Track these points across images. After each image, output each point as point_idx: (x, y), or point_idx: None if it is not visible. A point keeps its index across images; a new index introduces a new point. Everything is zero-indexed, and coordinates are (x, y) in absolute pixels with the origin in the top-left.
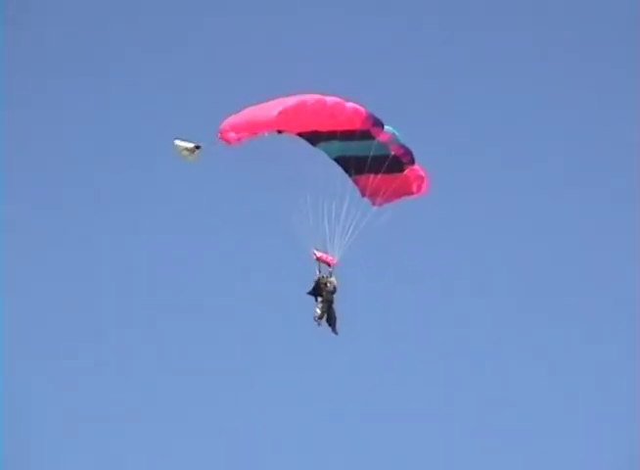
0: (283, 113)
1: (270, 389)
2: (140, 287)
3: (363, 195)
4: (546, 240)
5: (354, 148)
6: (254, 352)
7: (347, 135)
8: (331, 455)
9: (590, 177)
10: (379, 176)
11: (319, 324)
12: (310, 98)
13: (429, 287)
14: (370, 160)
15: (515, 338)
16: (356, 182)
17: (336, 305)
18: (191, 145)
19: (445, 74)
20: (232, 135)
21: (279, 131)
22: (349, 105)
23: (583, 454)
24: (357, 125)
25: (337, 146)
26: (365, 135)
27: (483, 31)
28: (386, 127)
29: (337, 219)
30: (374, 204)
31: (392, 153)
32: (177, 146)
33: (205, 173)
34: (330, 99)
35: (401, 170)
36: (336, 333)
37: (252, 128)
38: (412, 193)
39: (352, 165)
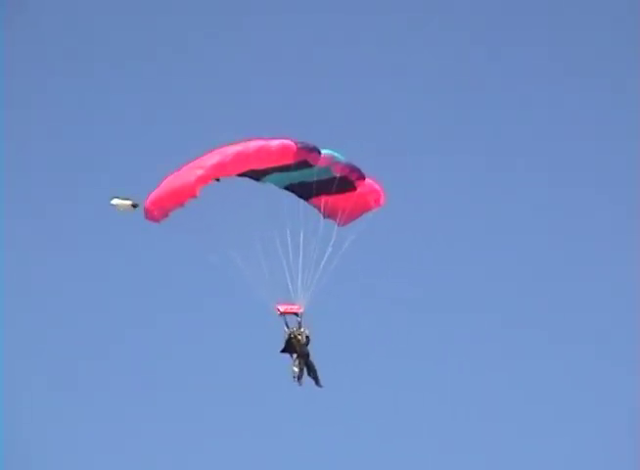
0: (201, 178)
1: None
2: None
3: (325, 217)
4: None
5: (298, 176)
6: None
7: (285, 168)
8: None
9: (589, 178)
10: (332, 197)
11: (299, 384)
12: (230, 153)
13: (408, 306)
14: (317, 184)
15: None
16: (314, 205)
17: (313, 357)
18: (128, 203)
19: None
20: (157, 213)
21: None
22: (274, 143)
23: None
24: (290, 159)
25: (280, 177)
26: (302, 165)
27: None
28: (323, 152)
29: (295, 261)
30: (338, 224)
31: (337, 174)
32: (116, 205)
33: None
34: (252, 145)
35: (353, 188)
36: (320, 386)
37: (176, 200)
38: (371, 207)
39: (304, 191)
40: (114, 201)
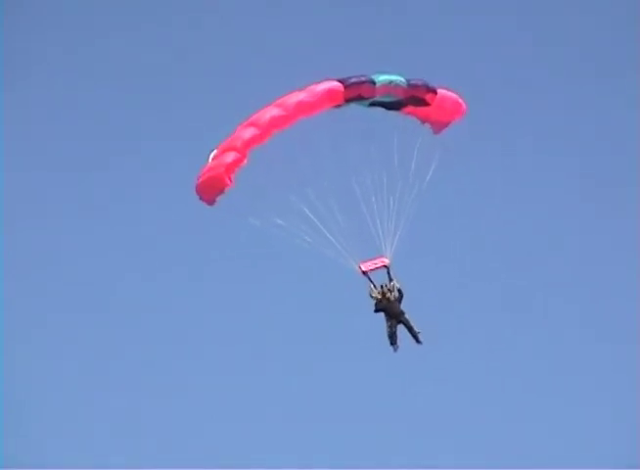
0: (232, 164)
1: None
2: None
3: (422, 122)
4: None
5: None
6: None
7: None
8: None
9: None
10: (414, 110)
11: (394, 350)
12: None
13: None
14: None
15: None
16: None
17: (408, 313)
18: None
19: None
20: (205, 202)
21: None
22: (320, 88)
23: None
24: (341, 100)
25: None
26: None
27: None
28: (378, 79)
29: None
30: (435, 132)
31: (402, 97)
32: None
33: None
34: (293, 100)
35: (427, 104)
36: (419, 342)
37: (211, 193)
38: (451, 119)
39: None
40: None
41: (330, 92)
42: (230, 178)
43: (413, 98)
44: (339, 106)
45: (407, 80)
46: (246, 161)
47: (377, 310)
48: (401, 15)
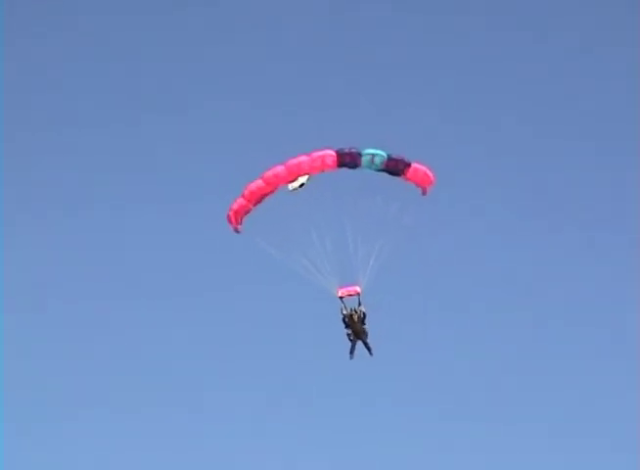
0: (236, 214)
1: None
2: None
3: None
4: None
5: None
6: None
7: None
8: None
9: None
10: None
11: (350, 358)
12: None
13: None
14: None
15: None
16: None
17: (368, 331)
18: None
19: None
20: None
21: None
22: (317, 154)
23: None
24: (333, 164)
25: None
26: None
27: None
28: (364, 152)
29: (354, 243)
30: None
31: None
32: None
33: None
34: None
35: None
36: (371, 354)
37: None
38: (425, 184)
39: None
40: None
41: (325, 156)
42: (236, 220)
43: (391, 169)
44: (333, 169)
45: (388, 155)
46: (252, 206)
47: (345, 326)
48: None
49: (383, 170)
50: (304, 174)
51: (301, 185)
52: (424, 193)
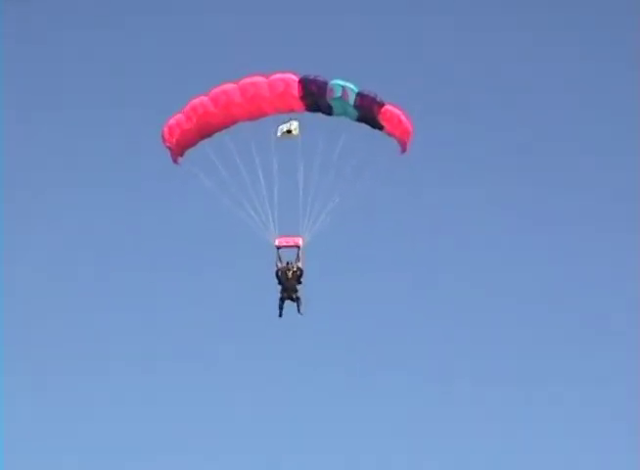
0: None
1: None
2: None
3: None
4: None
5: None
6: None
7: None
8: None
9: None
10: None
11: (279, 316)
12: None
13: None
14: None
15: None
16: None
17: (302, 290)
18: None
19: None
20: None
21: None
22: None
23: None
24: (296, 93)
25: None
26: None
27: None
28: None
29: (305, 193)
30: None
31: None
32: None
33: None
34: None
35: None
36: (300, 313)
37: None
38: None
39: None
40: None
41: (287, 80)
42: (171, 140)
43: (366, 110)
44: (297, 102)
45: (359, 91)
46: (196, 137)
47: (279, 282)
48: None
49: (357, 115)
50: (263, 103)
51: (289, 132)
52: (403, 149)
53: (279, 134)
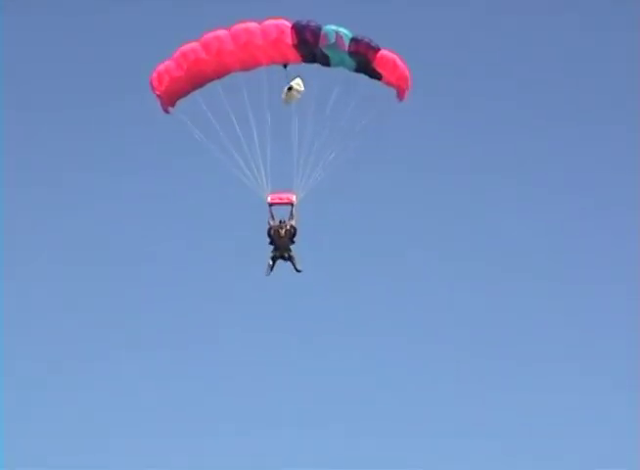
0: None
1: None
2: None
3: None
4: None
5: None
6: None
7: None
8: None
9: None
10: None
11: (266, 275)
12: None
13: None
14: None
15: None
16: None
17: (296, 249)
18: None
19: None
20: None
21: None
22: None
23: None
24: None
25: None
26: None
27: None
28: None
29: (300, 150)
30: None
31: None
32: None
33: None
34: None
35: (377, 73)
36: (298, 271)
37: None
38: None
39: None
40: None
41: (280, 26)
42: (161, 88)
43: (361, 55)
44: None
45: (354, 35)
46: (187, 87)
47: (271, 241)
48: None
49: (354, 65)
50: (256, 51)
51: (290, 88)
52: (400, 97)
53: (283, 96)
